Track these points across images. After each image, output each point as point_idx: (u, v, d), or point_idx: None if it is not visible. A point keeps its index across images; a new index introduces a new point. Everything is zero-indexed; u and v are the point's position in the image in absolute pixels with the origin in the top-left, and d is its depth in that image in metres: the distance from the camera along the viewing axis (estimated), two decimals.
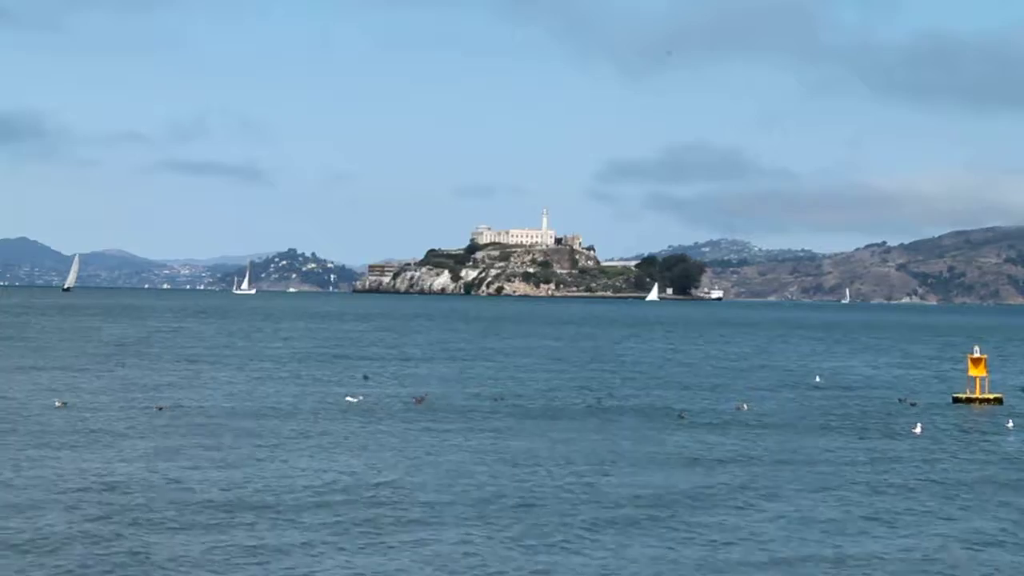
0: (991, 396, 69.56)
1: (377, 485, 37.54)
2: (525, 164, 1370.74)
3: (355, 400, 62.20)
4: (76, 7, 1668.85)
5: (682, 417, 58.42)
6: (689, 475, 40.99)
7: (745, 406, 63.72)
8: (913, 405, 67.36)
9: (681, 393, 72.98)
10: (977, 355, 69.04)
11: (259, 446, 45.56)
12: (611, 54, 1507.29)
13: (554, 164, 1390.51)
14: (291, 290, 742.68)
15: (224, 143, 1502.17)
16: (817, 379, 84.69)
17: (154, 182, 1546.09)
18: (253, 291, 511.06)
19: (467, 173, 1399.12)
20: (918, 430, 53.68)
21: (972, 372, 69.84)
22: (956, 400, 70.10)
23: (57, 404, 57.59)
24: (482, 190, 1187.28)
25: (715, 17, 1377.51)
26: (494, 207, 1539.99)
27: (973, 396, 69.35)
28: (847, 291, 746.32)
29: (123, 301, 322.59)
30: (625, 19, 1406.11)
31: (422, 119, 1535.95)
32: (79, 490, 35.73)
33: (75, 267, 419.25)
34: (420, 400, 62.78)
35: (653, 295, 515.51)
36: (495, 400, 64.97)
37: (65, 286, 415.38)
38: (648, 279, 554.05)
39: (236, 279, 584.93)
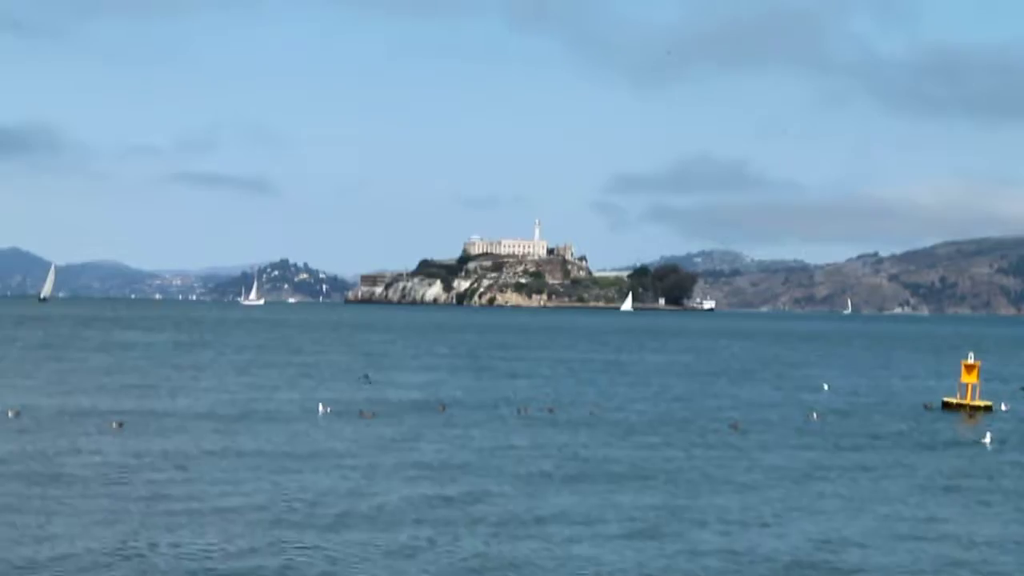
0: (981, 404, 69.33)
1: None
2: (530, 175, 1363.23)
3: None
4: (87, 17, 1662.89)
5: (736, 427, 58.18)
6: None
7: (815, 415, 64.06)
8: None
9: (733, 401, 73.27)
10: (971, 362, 68.83)
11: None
12: (622, 66, 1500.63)
13: (559, 176, 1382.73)
14: (291, 300, 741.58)
15: (232, 154, 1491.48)
16: (825, 386, 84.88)
17: (158, 194, 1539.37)
18: (262, 302, 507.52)
19: (471, 184, 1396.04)
20: (987, 440, 53.30)
21: (965, 379, 69.65)
22: (946, 405, 69.92)
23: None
24: (485, 201, 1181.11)
25: (725, 29, 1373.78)
26: (494, 219, 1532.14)
27: (963, 402, 69.16)
28: (848, 301, 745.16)
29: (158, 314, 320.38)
30: (636, 31, 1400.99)
31: (430, 130, 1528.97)
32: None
33: (51, 277, 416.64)
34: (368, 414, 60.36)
35: (627, 305, 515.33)
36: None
37: (41, 296, 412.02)
38: (641, 289, 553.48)
39: (243, 290, 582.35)
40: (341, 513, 33.46)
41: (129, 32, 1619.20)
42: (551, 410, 64.25)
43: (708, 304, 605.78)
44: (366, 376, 77.05)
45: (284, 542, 29.54)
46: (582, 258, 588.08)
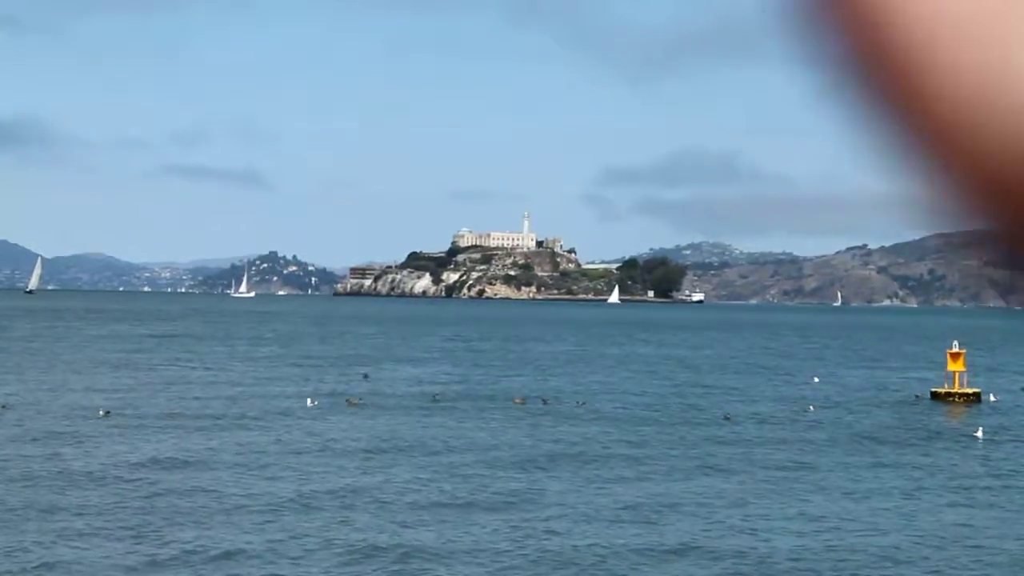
0: (969, 391, 69.81)
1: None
2: (521, 169, 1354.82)
3: None
4: (84, 15, 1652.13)
5: (728, 419, 58.43)
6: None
7: (812, 408, 64.21)
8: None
9: (725, 393, 73.74)
10: (956, 350, 69.24)
11: None
12: (616, 62, 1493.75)
13: (550, 170, 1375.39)
14: (280, 293, 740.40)
15: (223, 148, 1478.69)
16: (815, 378, 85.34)
17: (148, 187, 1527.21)
18: (252, 294, 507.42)
19: (461, 178, 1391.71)
20: (979, 434, 53.65)
21: (951, 367, 70.05)
22: (935, 395, 70.38)
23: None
24: (475, 194, 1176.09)
25: (720, 25, 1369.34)
26: (483, 212, 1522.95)
27: (952, 391, 69.61)
28: (838, 293, 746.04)
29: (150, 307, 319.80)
30: (632, 27, 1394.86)
31: (421, 125, 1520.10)
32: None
33: (37, 269, 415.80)
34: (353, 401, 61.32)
35: (614, 297, 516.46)
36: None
37: (28, 288, 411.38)
38: (630, 282, 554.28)
39: (232, 282, 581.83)
40: (337, 503, 33.73)
41: (125, 28, 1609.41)
42: (545, 401, 64.56)
43: (697, 296, 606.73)
44: (365, 376, 77.45)
45: (282, 533, 29.83)
46: (571, 251, 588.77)
